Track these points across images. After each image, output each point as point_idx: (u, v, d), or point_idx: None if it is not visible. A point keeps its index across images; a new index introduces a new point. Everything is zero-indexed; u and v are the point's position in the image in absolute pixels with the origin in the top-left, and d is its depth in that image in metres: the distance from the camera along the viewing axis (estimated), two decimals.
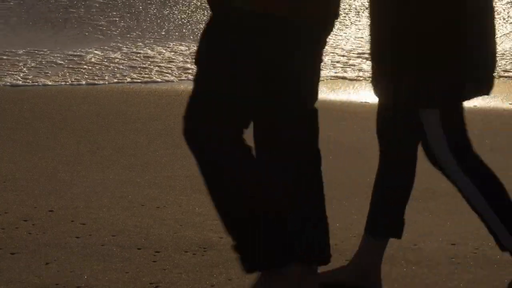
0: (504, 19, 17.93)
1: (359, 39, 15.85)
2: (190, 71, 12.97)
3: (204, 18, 18.07)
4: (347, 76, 12.72)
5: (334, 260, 4.99)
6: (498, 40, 5.15)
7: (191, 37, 16.00)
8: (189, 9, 19.45)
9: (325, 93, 11.48)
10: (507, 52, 14.52)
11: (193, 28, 17.12)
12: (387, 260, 5.06)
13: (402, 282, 4.75)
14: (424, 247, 5.36)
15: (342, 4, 19.91)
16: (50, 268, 4.82)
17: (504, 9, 18.97)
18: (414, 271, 4.91)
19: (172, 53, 14.52)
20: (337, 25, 17.32)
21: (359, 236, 5.51)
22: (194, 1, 20.42)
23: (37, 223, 5.65)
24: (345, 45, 15.16)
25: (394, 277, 4.82)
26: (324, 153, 8.64)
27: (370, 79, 4.60)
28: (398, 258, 5.13)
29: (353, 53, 14.42)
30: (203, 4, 19.81)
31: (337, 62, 13.68)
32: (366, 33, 16.37)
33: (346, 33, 16.39)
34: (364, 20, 17.89)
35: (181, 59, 13.93)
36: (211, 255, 5.10)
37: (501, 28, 16.82)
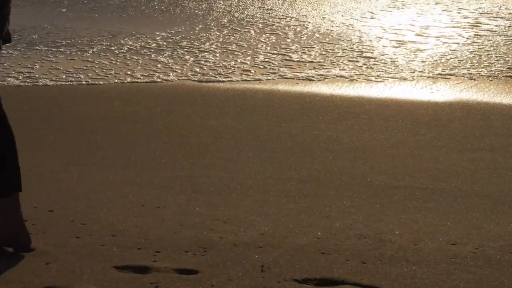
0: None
1: (359, 39, 15.86)
2: (190, 71, 12.98)
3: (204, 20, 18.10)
4: (347, 75, 12.72)
5: (334, 259, 4.99)
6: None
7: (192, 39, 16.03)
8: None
9: (326, 93, 11.49)
10: (508, 52, 14.52)
11: (195, 29, 17.14)
12: (387, 260, 5.06)
13: (402, 282, 4.76)
14: (424, 247, 5.36)
15: (346, 6, 19.92)
16: (50, 268, 4.81)
17: None
18: (414, 271, 4.91)
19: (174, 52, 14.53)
20: (339, 27, 17.33)
21: (359, 236, 5.52)
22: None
23: (37, 223, 5.65)
24: (346, 46, 15.16)
25: (394, 277, 4.82)
26: (324, 153, 8.68)
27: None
28: (398, 258, 5.13)
29: (354, 53, 14.43)
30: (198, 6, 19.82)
31: (338, 62, 13.68)
32: (366, 34, 16.38)
33: (346, 34, 16.40)
34: (365, 22, 17.90)
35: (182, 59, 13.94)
36: (211, 255, 5.10)
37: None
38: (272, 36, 16.77)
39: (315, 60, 13.99)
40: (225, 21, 18.63)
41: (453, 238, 5.55)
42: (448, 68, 13.18)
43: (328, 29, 17.17)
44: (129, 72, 12.83)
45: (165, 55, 14.59)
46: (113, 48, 15.13)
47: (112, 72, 12.87)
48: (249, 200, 6.53)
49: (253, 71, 12.99)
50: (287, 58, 14.21)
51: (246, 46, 15.37)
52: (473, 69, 13.16)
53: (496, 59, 13.86)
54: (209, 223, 5.75)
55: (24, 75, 12.57)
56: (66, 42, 15.80)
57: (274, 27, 17.87)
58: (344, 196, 6.73)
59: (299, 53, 14.80)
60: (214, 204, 6.33)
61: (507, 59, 13.91)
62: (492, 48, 14.85)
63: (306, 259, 5.04)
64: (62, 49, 14.99)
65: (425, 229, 5.76)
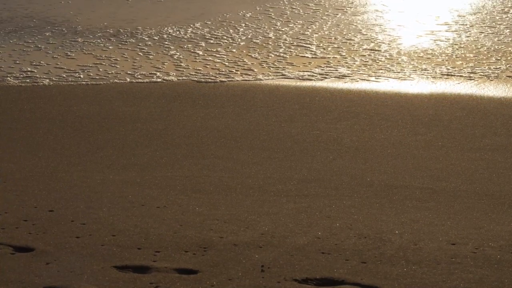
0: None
1: (361, 40, 15.84)
2: (190, 71, 12.98)
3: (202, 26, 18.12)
4: (347, 76, 12.71)
5: (334, 259, 5.00)
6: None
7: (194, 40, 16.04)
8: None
9: (326, 93, 11.48)
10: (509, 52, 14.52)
11: (197, 32, 17.15)
12: (387, 260, 5.06)
13: (402, 282, 4.76)
14: (424, 247, 5.36)
15: (347, 6, 19.91)
16: (50, 268, 4.82)
17: None
18: (414, 271, 4.92)
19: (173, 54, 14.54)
20: (342, 28, 17.32)
21: (359, 236, 5.52)
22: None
23: (37, 223, 5.65)
24: (347, 46, 15.16)
25: (394, 277, 4.82)
26: (324, 153, 8.68)
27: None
28: (398, 258, 5.13)
29: (354, 54, 14.42)
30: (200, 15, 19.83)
31: (339, 62, 13.68)
32: (367, 35, 16.37)
33: (348, 34, 16.40)
34: (365, 24, 17.89)
35: (181, 60, 13.94)
36: (211, 255, 5.10)
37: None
38: (297, 24, 16.92)
39: (326, 56, 14.02)
40: (259, 8, 18.88)
41: (453, 238, 5.55)
42: (450, 67, 13.19)
43: (356, 17, 17.20)
44: (129, 72, 12.84)
45: (184, 48, 14.71)
46: (138, 40, 15.30)
47: (113, 71, 12.88)
48: (249, 200, 6.53)
49: (255, 70, 13.00)
50: (298, 54, 14.22)
51: (265, 39, 15.41)
52: (477, 67, 13.16)
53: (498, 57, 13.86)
54: (209, 223, 5.75)
55: (27, 74, 12.58)
56: (102, 33, 16.07)
57: (308, 14, 18.01)
58: (344, 196, 6.73)
59: (315, 46, 14.85)
60: (214, 204, 6.33)
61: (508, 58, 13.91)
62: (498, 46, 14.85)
63: (306, 259, 5.04)
64: (94, 41, 15.24)
65: (425, 229, 5.76)
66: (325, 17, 18.06)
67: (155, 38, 15.78)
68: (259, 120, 9.89)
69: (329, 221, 5.87)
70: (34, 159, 7.85)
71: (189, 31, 16.35)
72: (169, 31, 16.39)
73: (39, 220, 5.73)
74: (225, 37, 15.76)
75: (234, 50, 14.61)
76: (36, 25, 17.12)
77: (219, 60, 13.75)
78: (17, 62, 13.57)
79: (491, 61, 13.70)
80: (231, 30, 16.44)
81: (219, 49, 14.71)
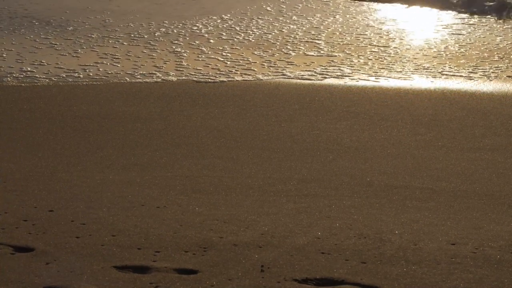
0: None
1: (361, 40, 15.85)
2: (190, 71, 12.98)
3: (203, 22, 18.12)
4: (347, 76, 12.71)
5: (334, 259, 5.00)
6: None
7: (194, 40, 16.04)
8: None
9: (325, 92, 11.48)
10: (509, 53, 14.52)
11: (194, 30, 17.15)
12: (387, 260, 5.06)
13: (402, 282, 4.76)
14: (424, 247, 5.36)
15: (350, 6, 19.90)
16: (50, 268, 4.82)
17: None
18: (414, 271, 4.92)
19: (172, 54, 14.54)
20: (354, 23, 17.31)
21: (359, 236, 5.52)
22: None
23: (37, 223, 5.65)
24: (355, 43, 15.16)
25: (394, 277, 4.82)
26: (324, 153, 8.68)
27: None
28: (398, 258, 5.13)
29: (360, 52, 14.42)
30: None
31: (342, 61, 13.67)
32: (367, 34, 16.37)
33: (347, 34, 16.40)
34: (366, 24, 17.90)
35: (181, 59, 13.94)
36: (211, 255, 5.10)
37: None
38: (308, 20, 16.94)
39: (332, 54, 14.03)
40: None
41: (453, 238, 5.55)
42: (452, 65, 13.18)
43: (371, 12, 17.20)
44: (129, 72, 12.84)
45: (193, 45, 14.76)
46: (151, 36, 15.37)
47: (113, 71, 12.87)
48: (249, 200, 6.54)
49: (255, 70, 12.99)
50: (305, 52, 14.23)
51: (275, 35, 15.43)
52: (477, 67, 13.15)
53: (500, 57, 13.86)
54: (209, 223, 5.75)
55: (27, 74, 12.58)
56: (118, 28, 16.17)
57: (324, 7, 18.03)
58: (344, 196, 6.73)
59: (323, 42, 14.87)
60: (214, 204, 6.33)
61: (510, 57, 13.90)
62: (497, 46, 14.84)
63: (306, 259, 5.04)
64: (102, 38, 15.29)
65: (425, 229, 5.76)
66: (340, 11, 18.06)
67: (168, 33, 15.82)
68: (259, 120, 9.89)
69: (329, 221, 5.87)
70: (34, 159, 7.86)
71: (205, 26, 16.38)
72: (185, 26, 16.42)
73: (39, 220, 5.73)
74: (239, 33, 15.77)
75: (239, 48, 14.62)
76: (36, 24, 17.12)
77: (222, 59, 13.75)
78: (18, 61, 13.58)
79: (493, 59, 13.69)
80: (251, 25, 16.46)
81: (225, 46, 14.72)
